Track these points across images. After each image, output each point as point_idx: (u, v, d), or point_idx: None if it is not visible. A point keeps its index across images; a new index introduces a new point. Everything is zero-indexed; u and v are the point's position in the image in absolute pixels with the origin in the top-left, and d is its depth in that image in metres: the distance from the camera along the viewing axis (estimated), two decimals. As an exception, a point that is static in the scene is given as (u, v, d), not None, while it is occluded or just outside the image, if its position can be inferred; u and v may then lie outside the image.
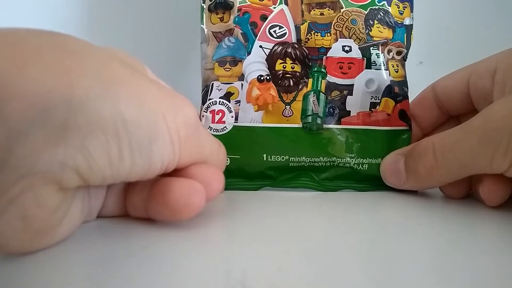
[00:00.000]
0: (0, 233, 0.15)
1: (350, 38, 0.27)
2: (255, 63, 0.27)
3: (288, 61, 0.27)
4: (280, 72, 0.27)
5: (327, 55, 0.27)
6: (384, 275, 0.15)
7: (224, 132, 0.26)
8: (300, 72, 0.27)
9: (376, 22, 0.28)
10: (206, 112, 0.27)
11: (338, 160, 0.27)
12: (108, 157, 0.15)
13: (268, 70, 0.27)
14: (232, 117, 0.27)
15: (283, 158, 0.26)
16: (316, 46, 0.27)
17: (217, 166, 0.20)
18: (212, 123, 0.26)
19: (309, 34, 0.27)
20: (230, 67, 0.27)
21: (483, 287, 0.15)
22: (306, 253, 0.17)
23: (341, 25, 0.27)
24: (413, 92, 0.29)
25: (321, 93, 0.27)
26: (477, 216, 0.22)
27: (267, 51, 0.27)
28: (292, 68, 0.27)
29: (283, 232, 0.19)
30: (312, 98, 0.27)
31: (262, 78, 0.26)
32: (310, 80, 0.27)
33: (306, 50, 0.27)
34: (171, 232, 0.18)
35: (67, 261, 0.16)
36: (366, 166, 0.27)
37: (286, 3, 0.27)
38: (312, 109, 0.27)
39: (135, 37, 0.38)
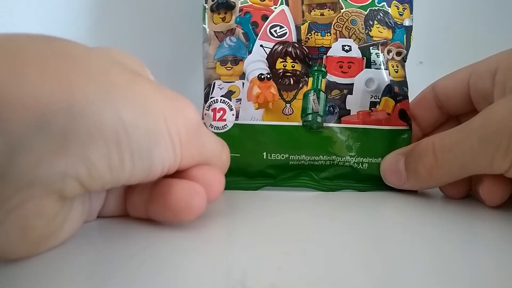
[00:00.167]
0: None
1: (350, 38, 0.27)
2: (256, 62, 0.26)
3: (289, 60, 0.26)
4: (280, 71, 0.26)
5: (327, 54, 0.27)
6: (384, 275, 0.15)
7: (225, 130, 0.26)
8: (300, 71, 0.27)
9: (375, 22, 0.27)
10: (208, 110, 0.27)
11: (338, 159, 0.26)
12: (108, 163, 0.15)
13: (268, 69, 0.26)
14: (233, 115, 0.26)
15: (283, 157, 0.26)
16: (316, 45, 0.27)
17: (219, 167, 0.20)
18: (213, 121, 0.26)
19: (309, 34, 0.27)
20: (231, 66, 0.27)
21: (483, 287, 0.14)
22: (306, 253, 0.16)
23: (341, 25, 0.27)
24: (413, 92, 0.28)
25: (321, 91, 0.26)
26: (477, 216, 0.22)
27: (268, 50, 0.26)
28: (293, 67, 0.26)
29: (283, 232, 0.19)
30: (312, 96, 0.26)
31: (262, 76, 0.26)
32: (310, 79, 0.26)
33: (306, 49, 0.27)
34: (171, 232, 0.18)
35: (67, 261, 0.15)
36: (366, 165, 0.27)
37: (287, 4, 0.27)
38: (312, 108, 0.26)
39: (138, 36, 0.38)
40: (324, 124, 0.26)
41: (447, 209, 0.23)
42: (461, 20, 0.41)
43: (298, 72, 0.27)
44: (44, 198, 0.14)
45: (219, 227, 0.19)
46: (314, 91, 0.26)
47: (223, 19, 0.27)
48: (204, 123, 0.26)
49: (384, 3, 0.28)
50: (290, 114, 0.26)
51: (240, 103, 0.26)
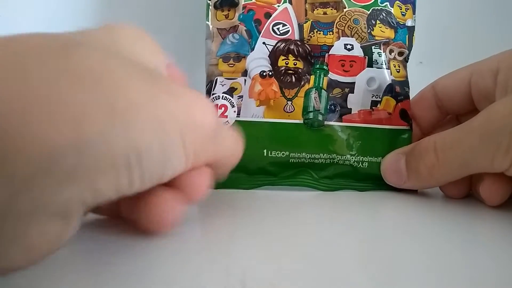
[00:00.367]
0: None
1: (352, 37, 0.26)
2: (258, 59, 0.26)
3: (291, 57, 0.26)
4: (282, 68, 0.26)
5: (329, 53, 0.26)
6: (384, 275, 0.15)
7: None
8: (302, 69, 0.26)
9: (378, 22, 0.27)
10: None
11: (338, 157, 0.26)
12: (117, 188, 0.14)
13: (270, 66, 0.26)
14: (235, 112, 0.26)
15: (283, 154, 0.26)
16: (319, 43, 0.26)
17: (227, 166, 0.19)
18: (214, 117, 0.26)
19: (312, 32, 0.26)
20: (233, 63, 0.26)
21: (483, 287, 0.14)
22: (306, 253, 0.16)
23: (344, 24, 0.27)
24: (413, 92, 0.28)
25: (323, 90, 0.26)
26: (477, 216, 0.22)
27: (270, 48, 0.26)
28: (295, 65, 0.26)
29: (283, 232, 0.19)
30: (313, 94, 0.26)
31: (264, 73, 0.26)
32: (312, 77, 0.26)
33: (308, 47, 0.26)
34: (171, 232, 0.17)
35: (67, 262, 0.15)
36: (366, 164, 0.26)
37: (290, 2, 0.27)
38: (314, 106, 0.26)
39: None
40: (325, 122, 0.26)
41: (447, 209, 0.23)
42: (461, 20, 0.40)
43: (300, 70, 0.26)
44: (48, 222, 0.13)
45: (219, 227, 0.18)
46: (315, 89, 0.26)
47: (226, 16, 0.27)
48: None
49: (387, 3, 0.27)
50: (291, 111, 0.26)
51: (241, 100, 0.26)
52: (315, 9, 0.27)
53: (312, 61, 0.26)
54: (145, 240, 0.17)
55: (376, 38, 0.27)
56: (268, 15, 0.27)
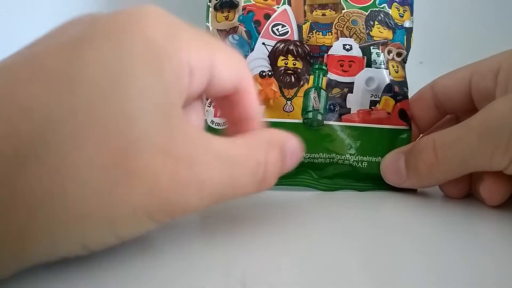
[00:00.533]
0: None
1: (350, 37, 0.26)
2: (257, 59, 0.26)
3: (290, 57, 0.26)
4: (282, 68, 0.26)
5: (328, 53, 0.26)
6: (384, 275, 0.14)
7: (226, 126, 0.26)
8: (301, 69, 0.26)
9: (376, 23, 0.27)
10: (209, 106, 0.26)
11: (337, 157, 0.26)
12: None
13: (270, 66, 0.26)
14: (234, 112, 0.26)
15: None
16: (318, 44, 0.26)
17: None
18: (214, 117, 0.26)
19: (311, 33, 0.26)
20: (233, 63, 0.26)
21: (483, 287, 0.14)
22: (306, 253, 0.16)
23: (342, 25, 0.27)
24: (413, 92, 0.27)
25: (322, 89, 0.26)
26: (477, 216, 0.21)
27: (270, 48, 0.26)
28: (294, 65, 0.26)
29: (283, 232, 0.19)
30: (313, 94, 0.26)
31: (264, 73, 0.26)
32: (311, 77, 0.26)
33: (307, 48, 0.26)
34: (171, 232, 0.17)
35: (66, 262, 0.15)
36: (365, 164, 0.26)
37: (289, 4, 0.27)
38: (313, 105, 0.26)
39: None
40: (325, 122, 0.26)
41: (447, 209, 0.23)
42: (461, 20, 0.40)
43: (299, 70, 0.26)
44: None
45: (219, 227, 0.18)
46: (315, 89, 0.26)
47: (226, 18, 0.27)
48: (205, 120, 0.26)
49: (385, 4, 0.27)
50: (291, 111, 0.26)
51: (241, 99, 0.26)
52: (314, 11, 0.27)
53: (311, 61, 0.26)
54: (145, 240, 0.17)
55: (375, 38, 0.27)
56: (267, 16, 0.26)
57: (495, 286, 0.14)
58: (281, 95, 0.26)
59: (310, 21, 0.27)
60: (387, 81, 0.26)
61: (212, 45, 0.16)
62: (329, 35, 0.26)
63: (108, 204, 0.13)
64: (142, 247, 0.16)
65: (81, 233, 0.13)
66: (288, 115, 0.26)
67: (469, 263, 0.16)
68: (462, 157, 0.21)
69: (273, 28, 0.26)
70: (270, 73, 0.26)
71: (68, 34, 0.14)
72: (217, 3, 0.27)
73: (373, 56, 0.26)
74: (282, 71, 0.26)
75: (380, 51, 0.27)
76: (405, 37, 0.27)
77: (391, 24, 0.27)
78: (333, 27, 0.27)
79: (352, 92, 0.26)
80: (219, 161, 0.15)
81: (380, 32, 0.27)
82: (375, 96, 0.26)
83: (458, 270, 0.15)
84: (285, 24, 0.26)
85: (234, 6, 0.27)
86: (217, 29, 0.27)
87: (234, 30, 0.27)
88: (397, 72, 0.27)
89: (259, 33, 0.26)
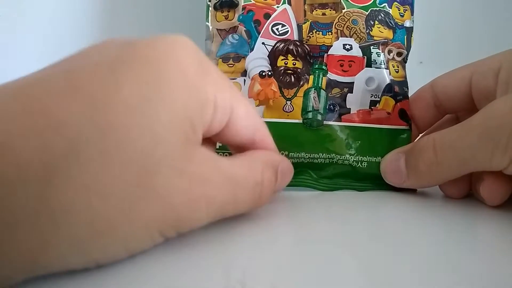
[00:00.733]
0: None
1: (350, 37, 0.26)
2: (257, 59, 0.26)
3: (290, 57, 0.26)
4: (281, 68, 0.26)
5: (328, 53, 0.26)
6: (384, 275, 0.14)
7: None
8: (301, 69, 0.26)
9: (376, 22, 0.27)
10: None
11: (337, 157, 0.25)
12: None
13: (270, 66, 0.25)
14: (234, 111, 0.26)
15: (282, 153, 0.25)
16: (318, 44, 0.26)
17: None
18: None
19: (311, 33, 0.26)
20: (233, 63, 0.26)
21: (483, 287, 0.14)
22: (306, 253, 0.16)
23: (342, 25, 0.26)
24: (412, 92, 0.27)
25: (322, 89, 0.26)
26: (477, 216, 0.21)
27: (270, 48, 0.26)
28: (294, 65, 0.26)
29: (283, 232, 0.18)
30: (313, 94, 0.25)
31: (264, 73, 0.25)
32: (311, 76, 0.26)
33: (307, 48, 0.26)
34: None
35: None
36: (365, 164, 0.26)
37: (289, 3, 0.26)
38: (313, 105, 0.25)
39: (142, 33, 0.37)
40: (324, 122, 0.25)
41: (447, 209, 0.22)
42: (461, 20, 0.40)
43: (299, 70, 0.26)
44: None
45: (219, 227, 0.18)
46: (314, 89, 0.26)
47: (226, 17, 0.27)
48: None
49: (385, 4, 0.27)
50: (291, 111, 0.25)
51: (241, 99, 0.26)
52: (314, 10, 0.26)
53: (311, 61, 0.26)
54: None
55: (375, 38, 0.26)
56: (267, 16, 0.26)
57: (495, 286, 0.14)
58: (280, 95, 0.25)
59: (310, 20, 0.26)
60: (387, 81, 0.26)
61: (235, 91, 0.17)
62: (329, 34, 0.26)
63: (127, 221, 0.13)
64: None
65: (97, 248, 0.13)
66: (287, 115, 0.25)
67: (469, 263, 0.15)
68: (462, 157, 0.21)
69: (273, 28, 0.26)
70: (270, 73, 0.25)
71: (103, 55, 0.14)
72: (217, 2, 0.27)
73: (373, 56, 0.26)
74: (282, 71, 0.26)
75: (380, 51, 0.26)
76: (405, 36, 0.27)
77: (391, 23, 0.27)
78: (333, 26, 0.26)
79: (352, 92, 0.26)
80: (225, 180, 0.16)
81: (380, 31, 0.26)
82: (375, 96, 0.26)
83: (458, 270, 0.15)
84: (285, 24, 0.26)
85: (234, 5, 0.27)
86: (217, 29, 0.27)
87: (234, 29, 0.26)
88: (397, 72, 0.27)
89: (259, 33, 0.26)
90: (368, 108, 0.26)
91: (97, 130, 0.12)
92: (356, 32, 0.26)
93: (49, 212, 0.12)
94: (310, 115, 0.25)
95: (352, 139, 0.26)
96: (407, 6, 0.27)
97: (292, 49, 0.26)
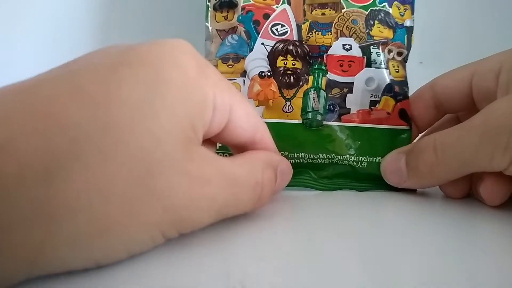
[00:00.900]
0: None
1: (350, 37, 0.26)
2: (256, 60, 0.25)
3: (289, 58, 0.26)
4: (281, 69, 0.25)
5: (328, 53, 0.26)
6: (383, 275, 0.14)
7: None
8: (301, 69, 0.25)
9: (376, 22, 0.26)
10: None
11: (337, 157, 0.25)
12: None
13: (269, 67, 0.25)
14: (234, 112, 0.25)
15: (282, 154, 0.25)
16: (317, 44, 0.26)
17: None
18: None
19: (310, 33, 0.26)
20: (232, 63, 0.26)
21: (483, 287, 0.14)
22: (306, 254, 0.16)
23: (342, 25, 0.26)
24: (412, 92, 0.27)
25: (321, 90, 0.25)
26: (478, 216, 0.21)
27: (269, 48, 0.25)
28: (293, 65, 0.25)
29: (283, 232, 0.18)
30: (312, 94, 0.25)
31: (263, 74, 0.25)
32: (311, 77, 0.25)
33: (307, 48, 0.26)
34: None
35: None
36: (365, 164, 0.25)
37: (289, 3, 0.26)
38: (313, 106, 0.25)
39: (142, 34, 0.37)
40: (324, 122, 0.25)
41: (447, 209, 0.22)
42: (461, 20, 0.40)
43: (298, 70, 0.26)
44: None
45: (219, 228, 0.18)
46: (314, 89, 0.25)
47: (226, 18, 0.27)
48: None
49: (385, 3, 0.26)
50: (290, 111, 0.25)
51: (240, 100, 0.25)
52: (314, 10, 0.26)
53: (311, 61, 0.26)
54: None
55: (375, 38, 0.26)
56: (266, 16, 0.26)
57: (495, 286, 0.14)
58: (280, 95, 0.25)
59: (310, 20, 0.26)
60: (387, 81, 0.26)
61: (234, 92, 0.17)
62: (328, 34, 0.26)
63: (127, 221, 0.13)
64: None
65: (97, 248, 0.13)
66: (287, 116, 0.25)
67: (469, 263, 0.15)
68: (462, 158, 0.21)
69: (272, 28, 0.26)
70: (269, 74, 0.25)
71: (105, 57, 0.14)
72: (216, 3, 0.27)
73: (373, 56, 0.26)
74: (281, 71, 0.25)
75: (380, 51, 0.26)
76: (405, 36, 0.27)
77: (391, 23, 0.26)
78: (333, 26, 0.26)
79: (351, 92, 0.26)
80: (225, 180, 0.16)
81: (380, 31, 0.26)
82: (375, 96, 0.26)
83: (458, 270, 0.15)
84: (285, 24, 0.26)
85: (233, 6, 0.26)
86: (216, 29, 0.27)
87: (233, 30, 0.26)
88: (397, 72, 0.27)
89: (258, 33, 0.26)
90: (368, 108, 0.26)
91: (98, 130, 0.12)
92: (356, 32, 0.26)
93: (49, 211, 0.12)
94: (309, 115, 0.25)
95: (352, 139, 0.25)
96: (407, 5, 0.27)
97: (292, 50, 0.26)
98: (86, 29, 0.36)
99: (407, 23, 0.27)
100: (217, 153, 0.24)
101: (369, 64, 0.26)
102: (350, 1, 0.26)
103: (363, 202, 0.23)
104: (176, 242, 0.16)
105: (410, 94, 0.27)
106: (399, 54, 0.27)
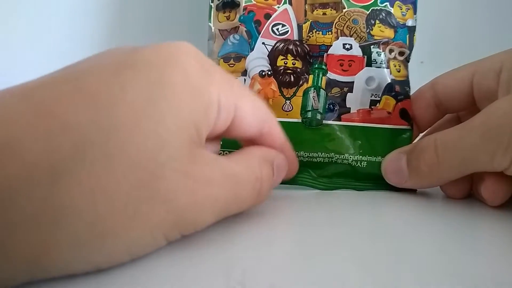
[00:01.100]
0: None
1: (350, 36, 0.26)
2: (257, 59, 0.26)
3: (290, 57, 0.26)
4: (281, 68, 0.25)
5: (328, 53, 0.26)
6: (384, 275, 0.14)
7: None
8: (301, 68, 0.25)
9: (377, 22, 0.26)
10: None
11: (336, 156, 0.25)
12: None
13: (269, 66, 0.25)
14: (234, 111, 0.26)
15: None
16: (317, 43, 0.26)
17: None
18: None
19: (311, 32, 0.26)
20: (234, 63, 0.26)
21: (483, 287, 0.13)
22: (306, 253, 0.16)
23: (343, 25, 0.26)
24: (413, 92, 0.27)
25: (321, 89, 0.25)
26: (478, 216, 0.21)
27: (270, 48, 0.26)
28: (293, 64, 0.26)
29: (282, 232, 0.18)
30: (312, 94, 0.25)
31: (263, 73, 0.25)
32: (311, 76, 0.25)
33: (307, 47, 0.26)
34: None
35: None
36: (365, 164, 0.25)
37: (290, 3, 0.26)
38: (312, 105, 0.25)
39: (144, 34, 0.38)
40: (324, 122, 0.25)
41: (447, 209, 0.22)
42: (462, 20, 0.39)
43: (298, 70, 0.26)
44: None
45: (219, 227, 0.18)
46: (314, 89, 0.25)
47: (228, 18, 0.27)
48: None
49: (387, 3, 0.26)
50: (290, 110, 0.25)
51: (241, 99, 0.25)
52: (315, 10, 0.26)
53: (311, 60, 0.26)
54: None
55: (375, 37, 0.26)
56: (268, 16, 0.26)
57: (495, 286, 0.14)
58: (280, 94, 0.25)
59: (311, 20, 0.26)
60: (388, 80, 0.26)
61: (239, 89, 0.17)
62: (329, 34, 0.26)
63: (131, 223, 0.13)
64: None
65: (99, 251, 0.13)
66: (287, 115, 0.25)
67: (469, 263, 0.15)
68: (463, 157, 0.21)
69: (273, 28, 0.26)
70: (269, 73, 0.25)
71: (109, 59, 0.14)
72: (219, 3, 0.27)
73: (374, 55, 0.26)
74: (282, 70, 0.25)
75: (381, 50, 0.26)
76: (407, 36, 0.27)
77: (392, 23, 0.26)
78: (333, 26, 0.26)
79: (351, 92, 0.25)
80: (226, 179, 0.16)
81: (381, 31, 0.26)
82: (376, 95, 0.26)
83: (458, 270, 0.15)
84: (285, 24, 0.26)
85: (236, 6, 0.27)
86: (219, 29, 0.27)
87: (235, 30, 0.26)
88: (399, 72, 0.26)
89: (259, 33, 0.26)
90: (368, 107, 0.26)
91: (102, 132, 0.12)
92: (356, 31, 0.26)
93: (52, 213, 0.12)
94: (309, 114, 0.25)
95: (352, 139, 0.25)
96: (409, 5, 0.27)
97: (292, 49, 0.26)
98: (89, 30, 0.37)
99: (409, 22, 0.27)
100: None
101: (369, 63, 0.26)
102: (351, 1, 0.26)
103: (363, 201, 0.23)
104: (176, 243, 0.16)
105: (411, 93, 0.26)
106: (401, 53, 0.27)
